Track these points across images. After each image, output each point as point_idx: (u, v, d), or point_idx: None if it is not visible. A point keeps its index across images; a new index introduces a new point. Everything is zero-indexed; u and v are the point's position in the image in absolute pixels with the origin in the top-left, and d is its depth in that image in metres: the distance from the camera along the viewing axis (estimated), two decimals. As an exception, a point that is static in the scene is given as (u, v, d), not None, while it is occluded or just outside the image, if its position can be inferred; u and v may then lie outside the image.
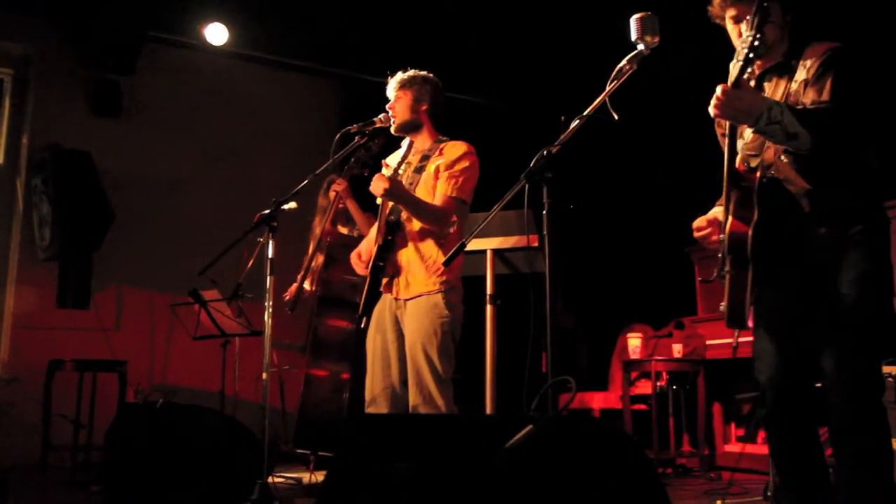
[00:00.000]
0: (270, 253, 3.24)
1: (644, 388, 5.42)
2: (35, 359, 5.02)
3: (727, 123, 2.34)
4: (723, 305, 2.33)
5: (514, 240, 3.61)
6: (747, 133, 2.42)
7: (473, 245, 3.19)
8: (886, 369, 3.61)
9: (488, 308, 3.57)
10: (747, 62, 2.16)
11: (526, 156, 2.36)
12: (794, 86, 2.33)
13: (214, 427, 3.46)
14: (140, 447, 3.37)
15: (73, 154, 5.37)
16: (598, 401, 5.77)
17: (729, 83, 2.19)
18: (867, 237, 2.26)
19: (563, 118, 2.48)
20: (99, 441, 4.31)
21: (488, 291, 3.59)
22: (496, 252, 3.62)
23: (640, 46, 2.38)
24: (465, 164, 3.25)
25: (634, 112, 2.98)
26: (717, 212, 2.46)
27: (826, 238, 2.28)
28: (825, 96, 2.24)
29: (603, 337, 6.20)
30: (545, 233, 2.30)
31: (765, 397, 2.39)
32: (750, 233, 2.24)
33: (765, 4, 2.16)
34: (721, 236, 2.32)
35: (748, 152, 2.43)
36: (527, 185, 2.29)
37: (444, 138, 3.37)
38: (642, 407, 5.47)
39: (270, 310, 3.27)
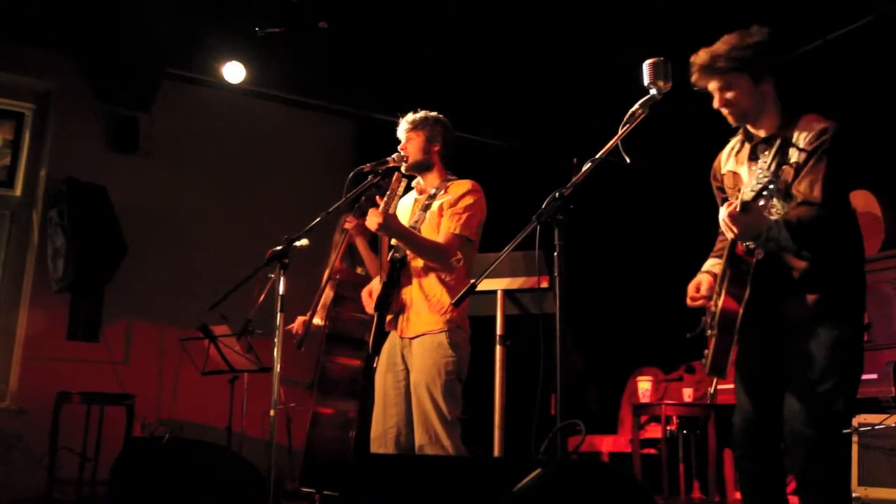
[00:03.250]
0: (281, 290, 3.25)
1: (654, 431, 5.36)
2: (43, 390, 5.01)
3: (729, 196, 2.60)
4: (706, 358, 2.55)
5: (523, 280, 3.61)
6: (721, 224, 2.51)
7: (483, 285, 3.20)
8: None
9: (498, 348, 3.56)
10: (759, 196, 2.29)
11: (538, 197, 2.37)
12: (787, 168, 2.48)
13: (220, 463, 3.43)
14: (145, 482, 3.35)
15: (88, 188, 5.43)
16: (607, 444, 5.71)
17: (738, 206, 2.33)
18: (843, 304, 2.43)
19: (575, 160, 2.51)
20: (105, 475, 4.29)
21: (498, 332, 3.59)
22: (506, 293, 3.62)
23: (653, 91, 2.41)
24: (468, 201, 3.25)
25: (648, 154, 3.00)
26: (710, 265, 2.70)
27: (804, 304, 2.44)
28: (816, 193, 2.39)
29: (613, 380, 6.15)
30: (556, 274, 2.30)
31: (736, 443, 2.58)
32: (741, 312, 2.45)
33: (788, 144, 2.41)
34: (712, 306, 2.55)
35: None
36: (538, 227, 2.30)
37: (453, 177, 3.38)
38: (652, 451, 5.41)
39: (279, 346, 3.27)
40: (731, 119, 2.59)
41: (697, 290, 2.66)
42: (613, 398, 6.03)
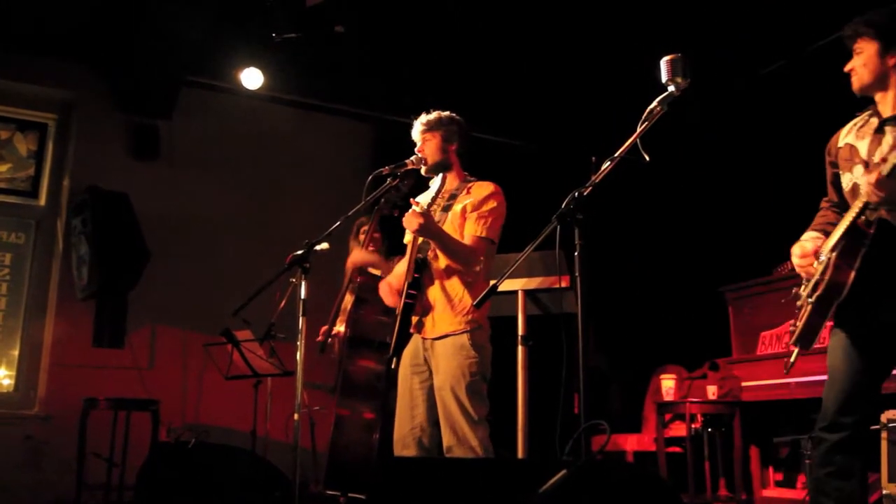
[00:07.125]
0: (303, 294, 3.26)
1: (678, 430, 5.32)
2: (71, 397, 5.07)
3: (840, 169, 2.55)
4: (795, 325, 2.50)
5: (542, 280, 3.60)
6: (863, 189, 2.42)
7: (503, 286, 3.19)
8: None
9: (520, 349, 3.55)
10: None
11: (557, 197, 2.36)
12: None
13: (245, 467, 3.46)
14: (172, 486, 3.39)
15: (111, 195, 5.49)
16: (631, 443, 5.69)
17: (885, 171, 2.25)
18: None
19: (593, 159, 2.50)
20: (132, 480, 4.33)
21: (520, 332, 3.58)
22: (527, 293, 3.61)
23: (671, 88, 2.40)
24: (492, 204, 3.26)
25: (666, 152, 2.98)
26: (809, 237, 2.62)
27: None
28: None
29: (636, 378, 6.12)
30: (577, 274, 2.29)
31: (822, 415, 2.48)
32: (849, 281, 2.38)
33: None
34: (817, 265, 2.48)
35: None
36: (558, 227, 2.30)
37: (472, 178, 3.39)
38: (677, 450, 5.37)
39: (302, 350, 3.28)
40: (853, 86, 2.51)
41: (804, 253, 2.57)
42: (637, 397, 6.00)
